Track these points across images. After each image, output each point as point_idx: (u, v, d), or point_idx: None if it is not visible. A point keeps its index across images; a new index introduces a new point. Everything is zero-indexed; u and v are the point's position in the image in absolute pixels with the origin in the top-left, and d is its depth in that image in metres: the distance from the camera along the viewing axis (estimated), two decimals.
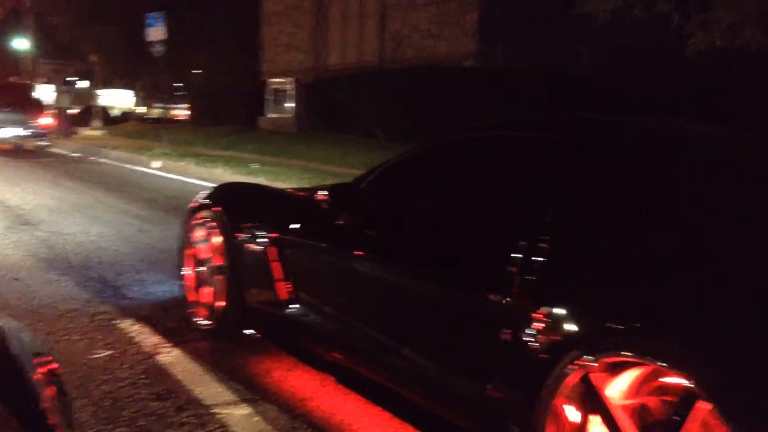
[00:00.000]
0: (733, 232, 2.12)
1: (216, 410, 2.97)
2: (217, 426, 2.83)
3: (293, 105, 19.53)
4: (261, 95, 20.41)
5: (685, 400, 1.85)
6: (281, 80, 20.17)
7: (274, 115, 20.08)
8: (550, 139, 2.72)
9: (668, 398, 1.94)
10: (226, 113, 21.92)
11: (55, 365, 1.63)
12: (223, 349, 3.70)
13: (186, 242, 4.17)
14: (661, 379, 1.97)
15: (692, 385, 1.80)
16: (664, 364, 1.87)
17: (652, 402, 2.00)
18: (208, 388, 3.20)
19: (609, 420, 2.02)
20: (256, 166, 12.98)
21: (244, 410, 2.99)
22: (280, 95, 20.13)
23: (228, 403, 3.05)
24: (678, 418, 1.85)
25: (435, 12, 17.12)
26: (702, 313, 1.88)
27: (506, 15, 15.94)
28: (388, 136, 14.31)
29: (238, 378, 3.33)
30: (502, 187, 2.83)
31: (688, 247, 2.09)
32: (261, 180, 10.22)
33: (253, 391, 3.19)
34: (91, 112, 28.66)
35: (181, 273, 4.19)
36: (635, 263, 2.13)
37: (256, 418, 2.92)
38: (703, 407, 1.79)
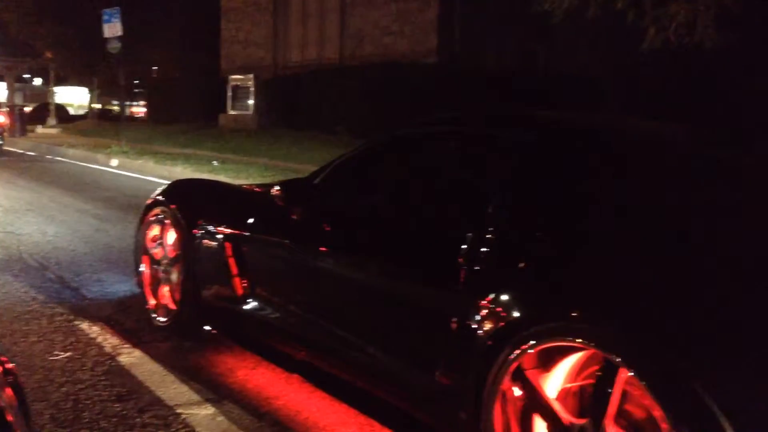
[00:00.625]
0: (663, 222, 2.23)
1: (179, 410, 2.94)
2: (180, 426, 2.80)
3: (253, 102, 19.37)
4: (221, 92, 20.19)
5: (609, 374, 1.95)
6: (241, 77, 19.96)
7: (234, 113, 19.87)
8: (492, 134, 2.86)
9: (597, 377, 2.03)
10: (185, 111, 21.63)
11: (10, 365, 1.59)
12: (185, 349, 3.67)
13: (142, 239, 4.17)
14: (594, 362, 2.05)
15: (619, 361, 1.90)
16: (598, 347, 1.96)
17: (587, 384, 2.08)
18: (171, 389, 3.17)
19: (543, 405, 2.12)
20: (216, 163, 12.85)
21: (207, 410, 2.96)
22: (240, 92, 19.90)
23: (191, 403, 3.02)
24: (608, 390, 1.95)
25: (394, 9, 17.12)
26: (632, 298, 1.99)
27: (465, 12, 16.01)
28: (350, 133, 14.29)
29: (201, 378, 3.30)
30: (449, 182, 2.93)
31: (621, 238, 2.20)
32: (222, 178, 10.12)
33: (217, 391, 3.16)
34: (46, 110, 28.07)
35: (138, 270, 4.17)
36: (572, 253, 2.24)
37: (220, 418, 2.89)
38: (625, 376, 1.90)
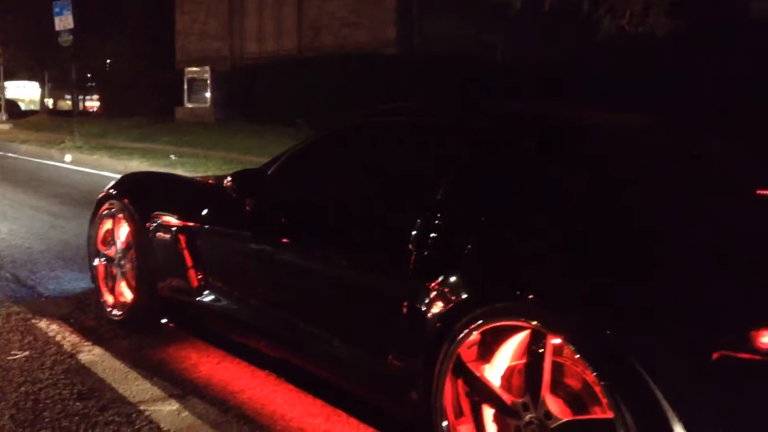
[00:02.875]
0: (604, 208, 2.29)
1: (143, 407, 2.90)
2: (144, 423, 2.76)
3: (210, 95, 19.13)
4: (177, 85, 19.88)
5: (540, 345, 2.06)
6: (197, 69, 19.67)
7: (191, 106, 19.59)
8: (437, 123, 2.95)
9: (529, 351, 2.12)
10: (140, 104, 21.26)
11: None
12: (146, 346, 3.61)
13: (95, 234, 4.15)
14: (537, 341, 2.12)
15: (548, 331, 2.02)
16: (541, 326, 2.04)
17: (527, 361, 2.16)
18: (133, 386, 3.12)
19: (485, 389, 2.21)
20: (174, 158, 12.67)
21: (172, 406, 2.92)
22: (196, 85, 19.62)
23: (155, 400, 2.98)
24: (541, 362, 2.06)
25: (352, 0, 17.05)
26: (569, 278, 2.08)
27: (424, 3, 16.03)
28: (309, 125, 14.21)
29: (164, 374, 3.26)
30: (399, 170, 2.99)
31: (560, 220, 2.27)
32: (180, 172, 9.99)
33: (181, 387, 3.12)
34: None
35: (92, 265, 4.15)
36: (515, 237, 2.31)
37: (185, 414, 2.86)
38: (552, 344, 2.04)
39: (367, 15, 16.78)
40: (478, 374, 2.23)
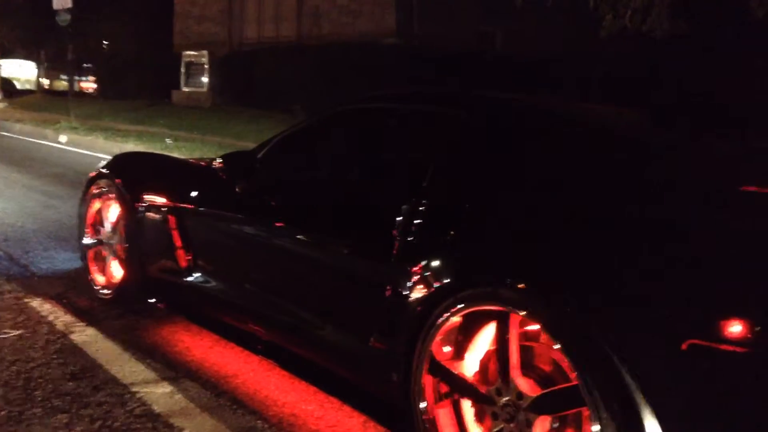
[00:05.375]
0: (586, 197, 2.31)
1: (135, 389, 2.89)
2: (137, 404, 2.75)
3: (208, 79, 19.03)
4: (174, 68, 19.77)
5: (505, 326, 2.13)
6: (195, 53, 19.56)
7: (187, 89, 19.50)
8: (426, 110, 2.98)
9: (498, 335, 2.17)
10: (137, 86, 21.16)
11: None
12: (140, 327, 3.60)
13: (85, 213, 4.15)
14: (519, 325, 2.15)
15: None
16: (520, 311, 2.08)
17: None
18: (126, 367, 3.11)
19: (461, 385, 2.27)
20: (170, 141, 12.62)
21: (165, 388, 2.91)
22: (194, 69, 19.52)
23: (148, 382, 2.97)
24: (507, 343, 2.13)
25: None
26: (546, 264, 2.11)
27: None
28: (306, 112, 14.16)
29: (158, 356, 3.25)
30: (387, 156, 3.04)
31: (543, 208, 2.31)
32: (175, 155, 9.93)
33: (174, 369, 3.11)
34: None
35: (82, 243, 4.15)
36: (497, 224, 2.35)
37: (177, 396, 2.85)
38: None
39: (368, 3, 16.72)
40: (452, 370, 2.28)
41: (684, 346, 1.76)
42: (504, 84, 10.68)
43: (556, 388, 2.05)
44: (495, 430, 2.16)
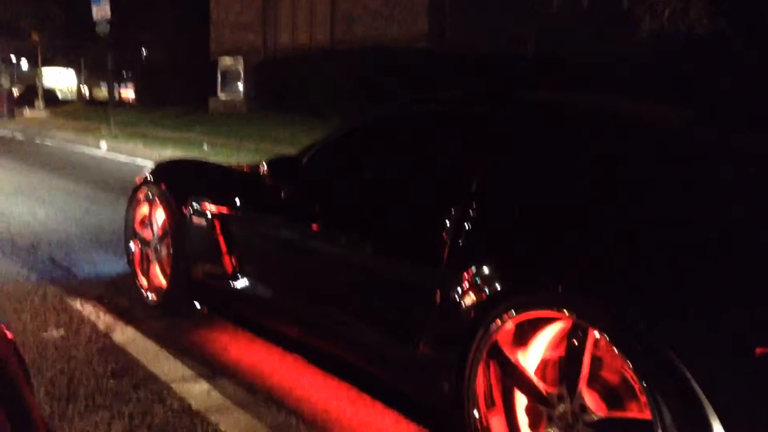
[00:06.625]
0: (639, 198, 2.27)
1: (174, 386, 2.97)
2: (175, 401, 2.83)
3: (243, 86, 19.28)
4: (211, 75, 20.07)
5: (580, 340, 2.04)
6: (230, 60, 19.85)
7: (224, 96, 19.78)
8: (469, 112, 2.93)
9: (570, 344, 2.09)
10: (175, 94, 21.53)
11: (10, 334, 1.61)
12: (179, 327, 3.69)
13: (132, 218, 4.21)
14: (569, 332, 2.10)
15: (589, 326, 1.99)
16: (573, 316, 2.03)
17: (563, 354, 2.14)
18: (165, 365, 3.19)
19: (521, 377, 2.20)
20: (207, 147, 12.82)
21: (202, 386, 2.99)
22: (229, 76, 19.80)
23: (185, 379, 3.05)
24: (581, 355, 2.04)
25: None
26: (607, 271, 2.06)
27: None
28: (341, 117, 14.27)
29: (195, 355, 3.33)
30: (433, 160, 2.98)
31: (598, 212, 2.27)
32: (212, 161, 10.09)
33: (211, 367, 3.19)
34: (34, 93, 27.80)
35: (128, 249, 4.22)
36: (550, 228, 2.30)
37: (214, 393, 2.92)
38: (593, 339, 2.01)
39: (400, 8, 16.80)
40: (513, 360, 2.22)
41: (758, 353, 1.71)
42: (537, 85, 10.64)
43: (628, 416, 1.98)
44: None
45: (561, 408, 2.08)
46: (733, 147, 2.74)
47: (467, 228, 2.45)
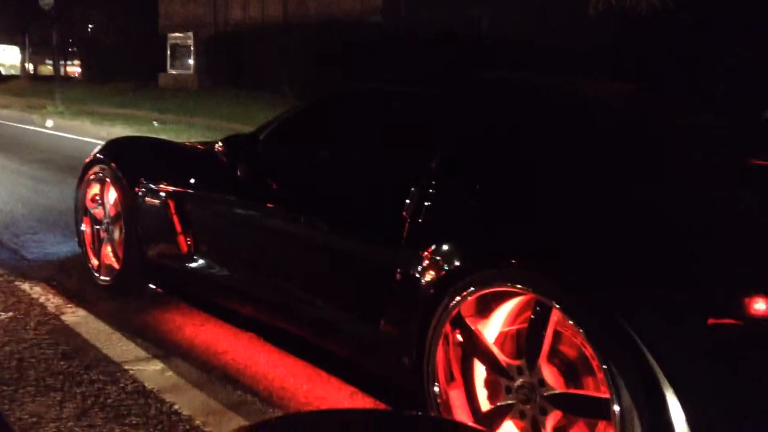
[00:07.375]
0: (598, 174, 2.31)
1: (127, 367, 2.94)
2: (129, 382, 2.80)
3: (194, 61, 18.95)
4: (161, 51, 19.66)
5: (542, 315, 2.08)
6: (180, 35, 19.47)
7: (174, 72, 19.42)
8: (430, 92, 2.96)
9: (531, 319, 2.14)
10: (124, 70, 21.09)
11: None
12: (131, 308, 3.64)
13: (82, 199, 4.11)
14: (528, 307, 2.15)
15: (550, 302, 2.03)
16: (532, 291, 2.07)
17: (523, 328, 2.20)
18: (117, 346, 3.15)
19: (482, 349, 2.24)
20: (156, 124, 12.60)
21: (156, 366, 2.96)
22: (179, 51, 19.44)
23: (139, 360, 3.02)
24: (542, 331, 2.08)
25: None
26: (562, 246, 2.11)
27: None
28: (294, 93, 14.15)
29: (149, 335, 3.29)
30: (393, 139, 2.97)
31: (554, 187, 2.30)
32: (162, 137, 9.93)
33: (165, 348, 3.16)
34: None
35: (79, 230, 4.13)
36: (508, 205, 2.34)
37: (168, 373, 2.90)
38: (557, 317, 2.05)
39: None
40: (470, 341, 2.25)
41: (709, 323, 1.76)
42: (492, 65, 10.70)
43: (584, 393, 2.04)
44: (504, 403, 2.16)
45: (520, 380, 2.12)
46: (691, 127, 2.81)
47: (427, 206, 2.45)
